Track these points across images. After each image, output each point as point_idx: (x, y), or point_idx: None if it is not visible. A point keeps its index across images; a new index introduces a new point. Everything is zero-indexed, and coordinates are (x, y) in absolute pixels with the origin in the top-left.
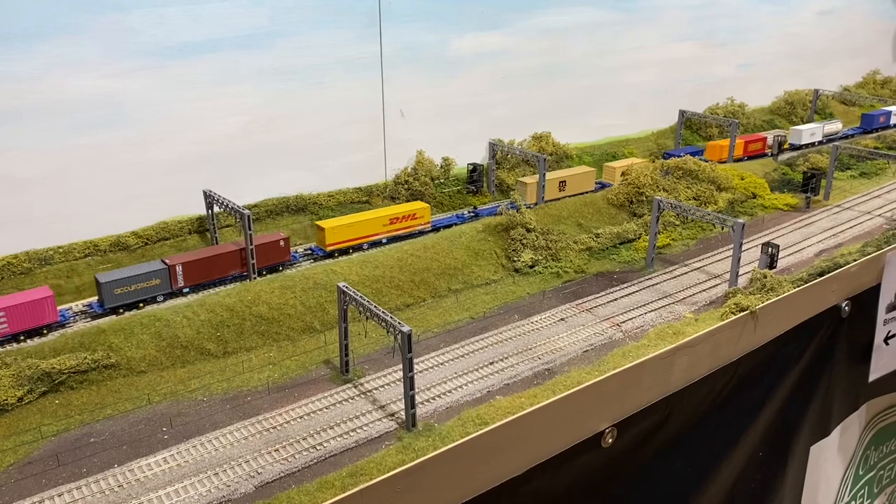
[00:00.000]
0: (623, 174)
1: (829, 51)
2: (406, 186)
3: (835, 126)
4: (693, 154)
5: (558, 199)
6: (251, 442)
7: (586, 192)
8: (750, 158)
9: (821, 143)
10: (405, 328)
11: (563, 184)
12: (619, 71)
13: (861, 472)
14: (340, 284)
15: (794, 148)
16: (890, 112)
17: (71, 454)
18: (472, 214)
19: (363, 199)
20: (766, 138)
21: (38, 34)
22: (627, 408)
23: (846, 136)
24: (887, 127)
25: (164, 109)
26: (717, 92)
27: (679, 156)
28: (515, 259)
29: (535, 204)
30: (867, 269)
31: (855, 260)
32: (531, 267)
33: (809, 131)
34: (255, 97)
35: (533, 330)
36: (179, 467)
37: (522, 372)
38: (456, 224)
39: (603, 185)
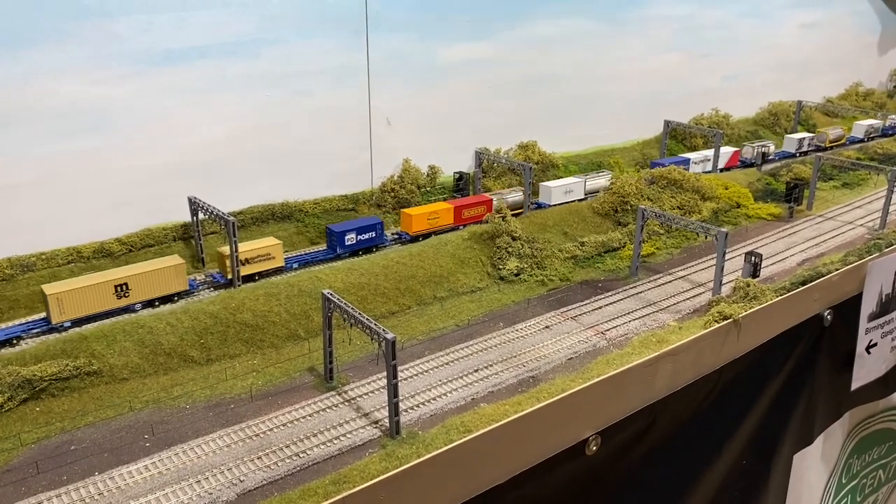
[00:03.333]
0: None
1: (813, 63)
2: (392, 194)
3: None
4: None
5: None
6: (234, 449)
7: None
8: (465, 226)
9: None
10: (389, 335)
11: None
12: (605, 81)
13: (844, 481)
14: (325, 291)
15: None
16: (689, 160)
17: (51, 461)
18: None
19: (349, 206)
20: (489, 201)
21: (24, 40)
22: (611, 415)
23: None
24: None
25: (150, 116)
26: (702, 102)
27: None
28: (501, 267)
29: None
30: (849, 279)
31: (837, 269)
32: (516, 275)
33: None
34: (242, 104)
35: (518, 338)
36: (161, 475)
37: (507, 379)
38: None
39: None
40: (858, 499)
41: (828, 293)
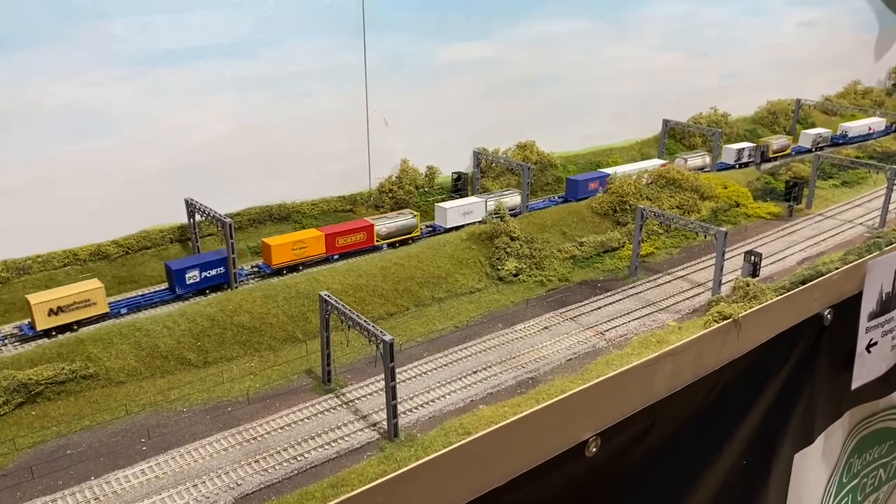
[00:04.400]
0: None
1: (811, 61)
2: (390, 195)
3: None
4: None
5: None
6: (231, 453)
7: None
8: (343, 256)
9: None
10: (387, 337)
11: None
12: (603, 80)
13: (845, 480)
14: (322, 293)
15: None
16: (605, 175)
17: (47, 466)
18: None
19: (347, 207)
20: (370, 226)
21: (19, 42)
22: (611, 417)
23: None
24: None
25: (147, 117)
26: (701, 101)
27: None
28: (499, 267)
29: None
30: (849, 278)
31: (837, 268)
32: (515, 275)
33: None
34: (239, 105)
35: (517, 338)
36: (157, 479)
37: (506, 381)
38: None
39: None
40: (859, 498)
41: (828, 292)
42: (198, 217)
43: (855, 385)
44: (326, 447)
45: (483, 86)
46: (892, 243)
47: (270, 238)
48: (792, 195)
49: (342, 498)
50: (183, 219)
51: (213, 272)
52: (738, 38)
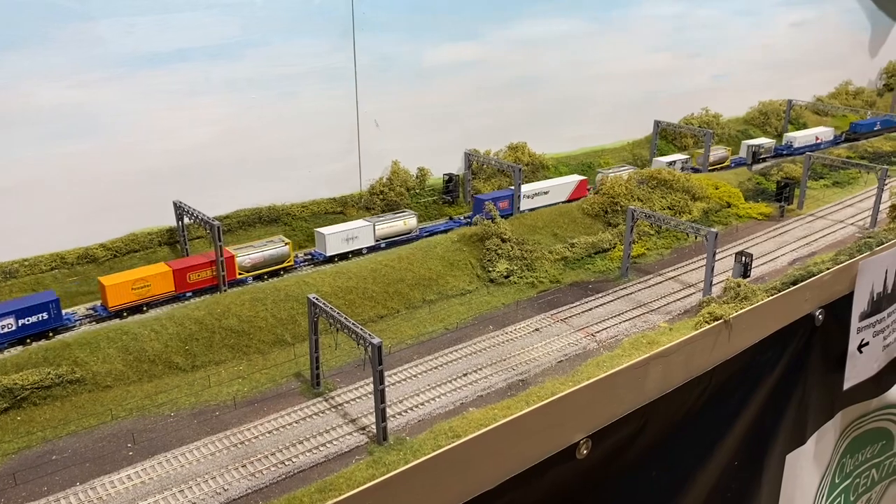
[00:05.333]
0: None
1: (803, 62)
2: (381, 197)
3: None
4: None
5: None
6: (218, 458)
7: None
8: (199, 293)
9: None
10: (375, 340)
11: None
12: (594, 81)
13: (837, 480)
14: (311, 296)
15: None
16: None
17: (31, 472)
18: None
19: (338, 209)
20: (230, 258)
21: (5, 44)
22: (602, 419)
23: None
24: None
25: (134, 120)
26: (693, 102)
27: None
28: (490, 269)
29: None
30: (840, 278)
31: (828, 268)
32: (506, 277)
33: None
34: (227, 107)
35: (507, 340)
36: (144, 484)
37: (496, 383)
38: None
39: None
40: (852, 498)
41: (819, 293)
42: (186, 220)
43: (847, 385)
44: (315, 451)
45: (474, 87)
46: (882, 243)
47: (107, 276)
48: (783, 195)
49: (330, 503)
50: (172, 221)
51: (36, 318)
52: (729, 39)
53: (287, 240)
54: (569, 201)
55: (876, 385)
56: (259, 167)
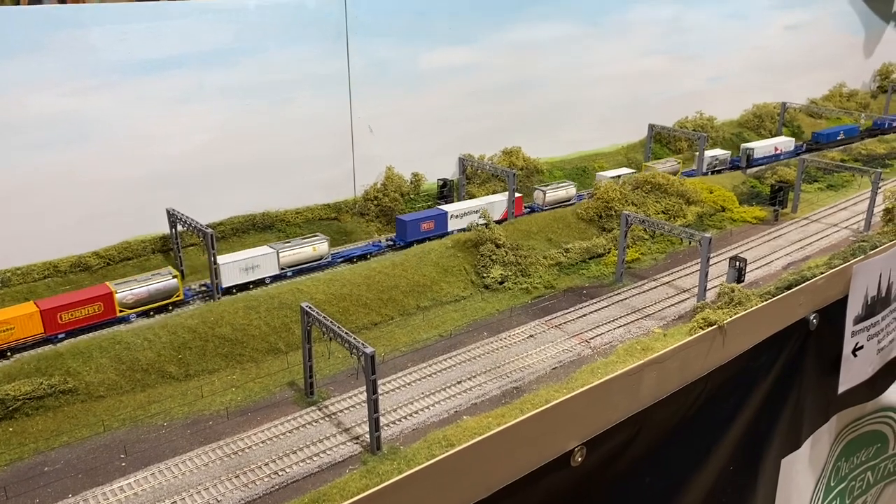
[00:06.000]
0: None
1: (796, 64)
2: (375, 202)
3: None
4: None
5: None
6: (211, 468)
7: None
8: (72, 334)
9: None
10: (368, 349)
11: None
12: (588, 85)
13: (833, 484)
14: (303, 305)
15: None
16: (441, 214)
17: (24, 484)
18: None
19: (332, 215)
20: (109, 294)
21: None
22: (596, 426)
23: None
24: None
25: (127, 127)
26: (687, 105)
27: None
28: (485, 275)
29: None
30: (834, 282)
31: (822, 272)
32: (501, 283)
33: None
34: (221, 114)
35: (501, 347)
36: (136, 496)
37: (490, 391)
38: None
39: None
40: (847, 501)
41: (813, 297)
42: (179, 227)
43: (842, 389)
44: (308, 461)
45: (468, 92)
46: (876, 247)
47: None
48: (777, 199)
49: None
50: (165, 229)
51: None
52: (723, 42)
53: (175, 272)
54: (503, 220)
55: (871, 388)
56: (253, 173)
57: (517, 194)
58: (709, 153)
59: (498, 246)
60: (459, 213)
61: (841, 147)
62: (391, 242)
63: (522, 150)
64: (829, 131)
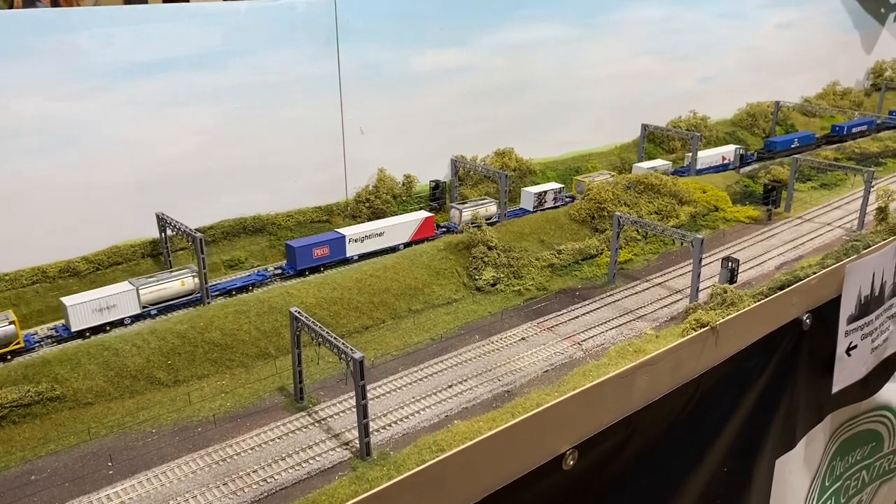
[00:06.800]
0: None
1: (789, 63)
2: (367, 204)
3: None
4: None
5: None
6: (199, 476)
7: None
8: None
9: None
10: (357, 355)
11: None
12: (581, 86)
13: (827, 484)
14: (292, 309)
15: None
16: (339, 237)
17: (10, 494)
18: None
19: (324, 218)
20: None
21: None
22: (588, 429)
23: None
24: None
25: (115, 131)
26: (680, 105)
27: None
28: (477, 277)
29: None
30: (827, 282)
31: (815, 272)
32: (493, 285)
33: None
34: (210, 117)
35: (493, 350)
36: None
37: (482, 395)
38: None
39: None
40: (843, 501)
41: (806, 297)
42: (169, 231)
43: (836, 389)
44: (297, 468)
45: (461, 93)
46: (869, 246)
47: None
48: (770, 199)
49: None
50: (155, 233)
51: None
52: (715, 41)
53: (13, 317)
54: (412, 243)
55: (865, 388)
56: (243, 177)
57: (427, 214)
58: (646, 164)
59: (490, 248)
60: (359, 236)
61: (796, 152)
62: (280, 271)
63: (515, 152)
64: (783, 139)
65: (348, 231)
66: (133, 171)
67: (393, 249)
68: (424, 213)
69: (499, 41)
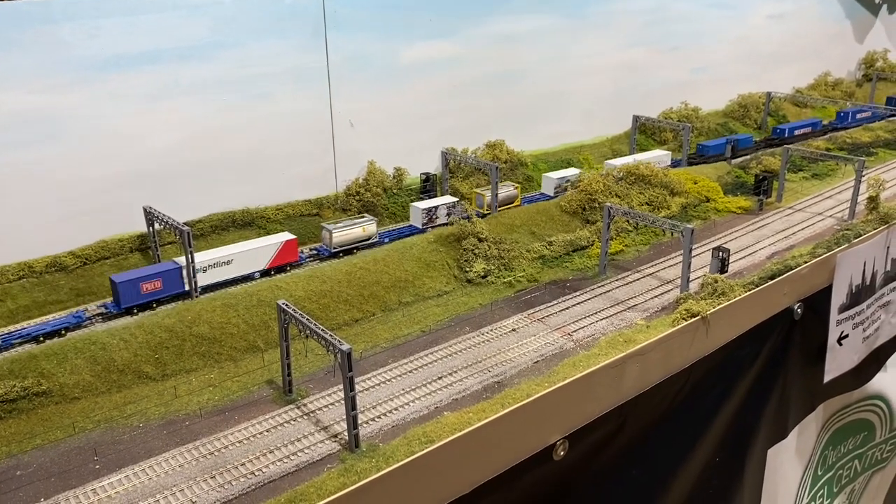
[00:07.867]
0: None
1: (781, 53)
2: (358, 198)
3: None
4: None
5: None
6: (187, 469)
7: None
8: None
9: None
10: (344, 346)
11: None
12: (572, 77)
13: (820, 473)
14: (280, 302)
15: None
16: (174, 268)
17: None
18: None
19: (313, 211)
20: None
21: None
22: (579, 419)
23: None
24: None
25: (101, 124)
26: (671, 96)
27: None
28: (467, 269)
29: None
30: (818, 271)
31: (806, 262)
32: (483, 277)
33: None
34: (197, 110)
35: (483, 342)
36: (109, 499)
37: (471, 386)
38: None
39: None
40: (835, 490)
41: (798, 286)
42: (157, 225)
43: (827, 378)
44: (285, 460)
45: (450, 85)
46: (860, 235)
47: None
48: (762, 189)
49: None
50: (143, 227)
51: None
52: (707, 32)
53: None
54: (270, 270)
55: (856, 377)
56: (232, 170)
57: (290, 236)
58: (554, 174)
59: (481, 240)
60: (207, 264)
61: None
62: (104, 310)
63: (506, 143)
64: (715, 143)
65: (183, 261)
66: (120, 164)
67: (247, 278)
68: (286, 236)
69: (489, 32)
